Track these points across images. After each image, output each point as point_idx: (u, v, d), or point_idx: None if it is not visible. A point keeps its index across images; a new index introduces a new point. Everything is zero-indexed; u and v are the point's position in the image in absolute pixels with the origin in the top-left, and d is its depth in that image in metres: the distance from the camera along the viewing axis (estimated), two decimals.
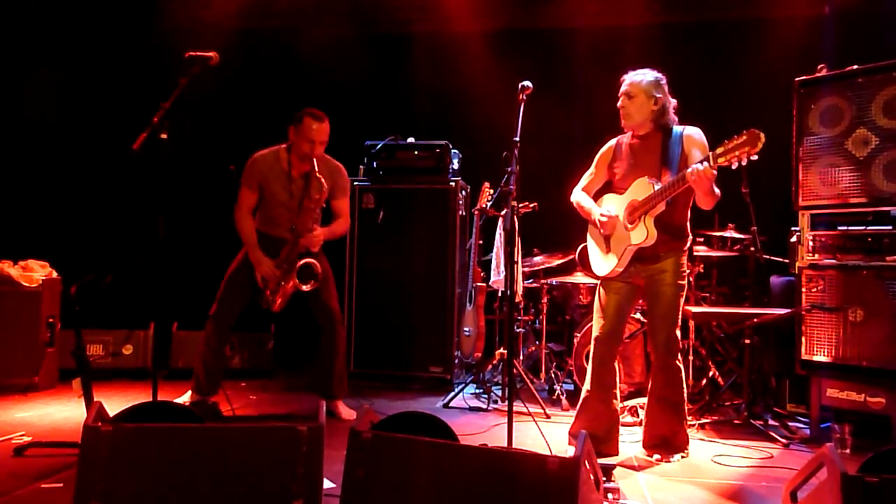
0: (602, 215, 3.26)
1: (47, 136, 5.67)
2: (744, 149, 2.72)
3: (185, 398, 3.89)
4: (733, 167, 2.78)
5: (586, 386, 3.33)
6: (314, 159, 3.71)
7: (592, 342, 3.32)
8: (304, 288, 3.74)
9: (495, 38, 5.81)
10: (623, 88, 3.27)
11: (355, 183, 5.05)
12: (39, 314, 4.55)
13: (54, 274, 4.73)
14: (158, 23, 5.78)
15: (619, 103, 3.28)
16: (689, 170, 2.88)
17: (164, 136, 2.89)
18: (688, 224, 3.26)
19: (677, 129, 3.19)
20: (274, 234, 3.84)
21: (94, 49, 5.88)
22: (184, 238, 3.80)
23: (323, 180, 3.73)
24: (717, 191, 3.01)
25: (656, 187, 3.05)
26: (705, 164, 2.84)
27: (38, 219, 5.52)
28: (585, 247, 3.50)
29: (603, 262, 3.31)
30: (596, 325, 3.32)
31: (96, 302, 3.69)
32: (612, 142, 3.42)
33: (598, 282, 3.39)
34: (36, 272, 4.61)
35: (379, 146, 5.05)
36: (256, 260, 3.77)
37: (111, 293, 3.90)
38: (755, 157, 2.71)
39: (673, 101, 3.24)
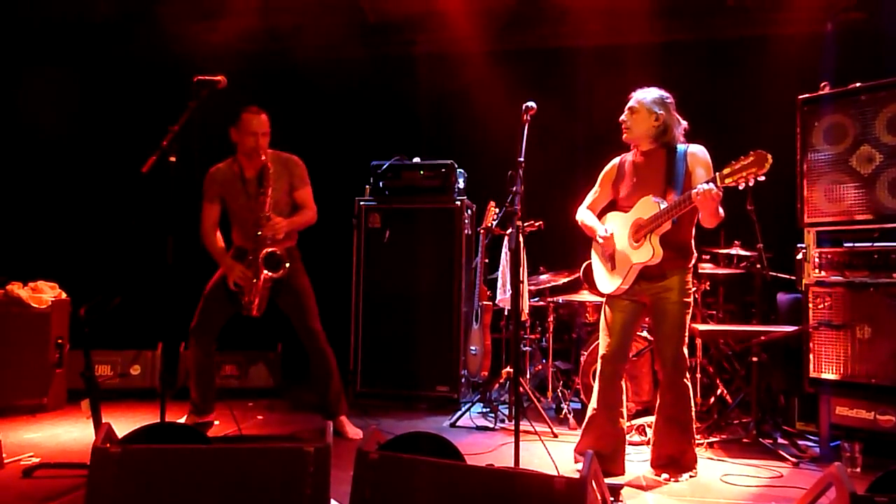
0: (601, 235, 3.27)
1: (57, 159, 5.74)
2: (751, 170, 2.72)
3: (182, 422, 3.89)
4: (740, 188, 2.78)
5: (592, 404, 3.32)
6: (262, 154, 3.75)
7: (599, 360, 3.32)
8: (274, 275, 3.72)
9: (500, 58, 5.86)
10: (628, 104, 3.30)
11: (361, 202, 5.09)
12: (48, 335, 4.57)
13: (63, 295, 4.76)
14: (169, 47, 5.86)
15: (621, 117, 3.31)
16: (695, 190, 2.89)
17: (173, 158, 2.93)
18: (692, 242, 3.27)
19: (681, 146, 3.21)
20: (246, 246, 3.85)
21: (104, 71, 5.97)
22: (192, 259, 3.82)
23: (272, 169, 3.76)
24: (721, 211, 3.02)
25: (662, 206, 3.06)
26: (710, 184, 2.85)
27: (48, 240, 5.57)
28: (590, 264, 3.50)
29: (608, 281, 3.31)
30: (602, 343, 3.32)
31: (104, 322, 3.71)
32: (616, 160, 3.44)
33: (604, 300, 3.39)
34: (45, 293, 4.64)
35: (385, 166, 5.09)
36: (227, 267, 3.79)
37: (119, 313, 3.92)
38: (762, 179, 2.71)
39: (683, 123, 3.26)
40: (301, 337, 3.93)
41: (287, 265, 3.75)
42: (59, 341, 4.63)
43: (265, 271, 3.72)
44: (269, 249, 3.73)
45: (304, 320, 3.89)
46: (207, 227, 3.88)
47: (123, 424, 3.72)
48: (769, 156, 2.69)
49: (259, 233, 3.72)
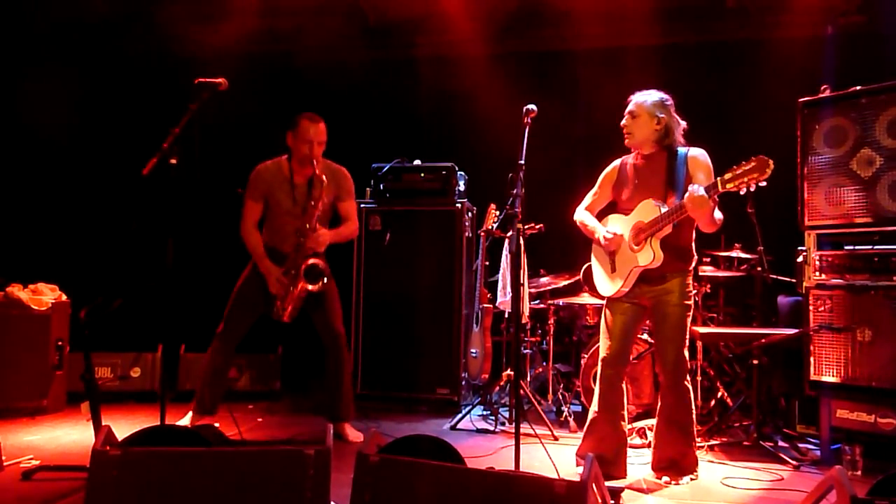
0: (606, 234, 3.27)
1: (57, 161, 5.74)
2: (752, 175, 2.73)
3: (186, 420, 3.89)
4: (741, 193, 2.79)
5: (593, 407, 3.32)
6: (315, 161, 3.75)
7: (599, 363, 3.31)
8: (312, 288, 3.72)
9: (500, 60, 5.86)
10: (628, 108, 3.30)
11: (362, 205, 5.08)
12: (48, 337, 4.57)
13: (64, 297, 4.75)
14: (170, 48, 5.87)
15: (622, 122, 3.30)
16: (686, 197, 2.89)
17: (174, 160, 2.93)
18: (693, 244, 3.27)
19: (682, 150, 3.21)
20: (281, 248, 3.85)
21: (104, 72, 5.98)
22: (192, 261, 3.83)
23: (325, 178, 3.75)
24: (718, 216, 3.02)
25: (662, 210, 3.06)
26: (699, 189, 2.85)
27: (48, 242, 5.56)
28: (590, 267, 3.50)
29: (608, 283, 3.31)
30: (602, 346, 3.32)
31: (105, 325, 3.71)
32: (617, 162, 3.43)
33: (604, 303, 3.39)
34: (45, 295, 4.64)
35: (385, 168, 5.09)
36: (266, 270, 3.78)
37: (120, 316, 3.91)
38: (763, 184, 2.72)
39: (682, 124, 3.26)
40: (323, 337, 3.92)
41: (325, 280, 3.74)
42: (60, 343, 4.63)
43: (304, 282, 3.72)
44: (312, 262, 3.73)
45: (329, 321, 3.89)
46: (249, 225, 3.86)
47: (123, 427, 3.69)
48: (770, 162, 2.69)
49: (303, 241, 3.72)
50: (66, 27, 5.64)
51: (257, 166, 3.90)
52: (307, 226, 3.74)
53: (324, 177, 3.75)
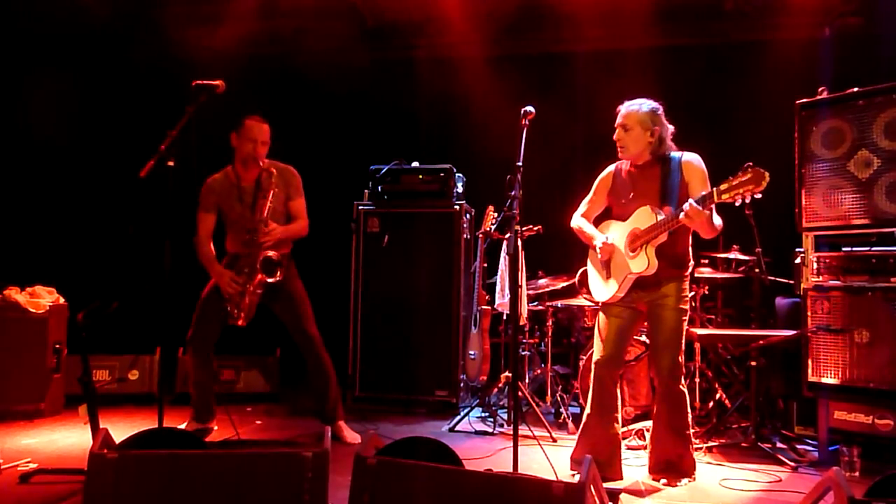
0: (600, 243, 3.26)
1: (55, 163, 5.74)
2: (748, 187, 2.72)
3: (183, 427, 3.88)
4: (736, 204, 2.78)
5: (587, 410, 3.32)
6: (260, 163, 3.76)
7: (592, 366, 3.31)
8: (270, 280, 3.72)
9: (499, 62, 5.87)
10: (619, 120, 3.25)
11: (360, 207, 5.09)
12: (46, 340, 4.56)
13: (61, 300, 4.75)
14: (169, 51, 5.87)
15: (615, 135, 3.26)
16: (682, 213, 2.90)
17: (171, 163, 2.94)
18: (689, 251, 3.26)
19: (675, 155, 3.19)
20: (241, 251, 3.84)
21: (103, 75, 5.97)
22: (190, 264, 3.83)
23: (275, 172, 3.77)
24: (718, 222, 3.02)
25: (659, 217, 3.05)
26: (694, 204, 2.86)
27: (46, 245, 5.56)
28: (586, 271, 3.50)
29: (603, 288, 3.31)
30: (596, 349, 3.32)
31: (102, 327, 3.71)
32: (612, 167, 3.42)
33: (599, 306, 3.39)
34: (43, 298, 4.63)
35: (384, 170, 5.09)
36: (217, 274, 3.79)
37: (117, 318, 3.91)
38: (759, 196, 2.71)
39: (671, 128, 3.24)
40: (297, 342, 3.93)
41: (282, 270, 3.75)
42: (57, 346, 4.62)
43: (261, 275, 3.71)
44: (266, 254, 3.73)
45: (300, 325, 3.89)
46: (202, 235, 3.87)
47: (121, 430, 3.71)
48: (766, 174, 2.68)
49: (256, 238, 3.72)
50: (63, 28, 5.63)
51: (207, 180, 3.92)
52: (258, 220, 3.74)
53: (273, 170, 3.77)
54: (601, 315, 3.33)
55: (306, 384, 4.09)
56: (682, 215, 2.90)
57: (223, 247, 3.96)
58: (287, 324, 3.91)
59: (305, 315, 3.92)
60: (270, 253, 3.74)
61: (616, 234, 3.27)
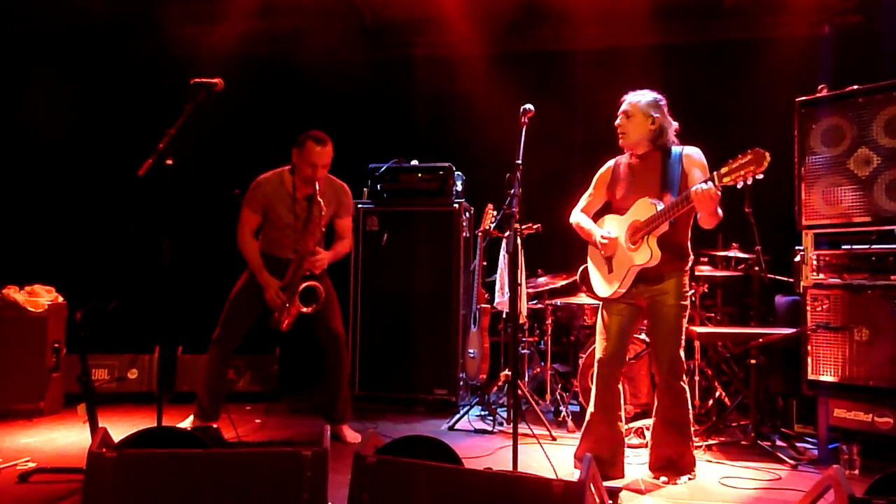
0: (603, 237, 3.26)
1: (54, 162, 5.73)
2: (749, 168, 2.72)
3: (187, 423, 3.88)
4: (738, 187, 2.78)
5: (590, 408, 3.32)
6: (316, 181, 3.74)
7: (595, 364, 3.31)
8: (306, 310, 3.76)
9: (498, 60, 5.86)
10: (622, 108, 3.29)
11: (359, 205, 5.08)
12: (45, 339, 4.55)
13: (60, 299, 4.74)
14: (168, 49, 5.86)
15: (616, 122, 3.30)
16: (694, 189, 2.88)
17: (169, 161, 2.93)
18: (689, 243, 3.26)
19: (676, 148, 3.20)
20: (279, 255, 3.86)
21: (102, 74, 5.96)
22: (189, 262, 3.83)
23: (323, 204, 3.76)
24: (720, 211, 3.02)
25: (658, 207, 3.05)
26: (709, 184, 2.84)
27: (44, 244, 5.56)
28: (586, 268, 3.50)
29: (605, 284, 3.31)
30: (598, 346, 3.32)
31: (101, 326, 3.70)
32: (611, 162, 3.43)
33: (601, 303, 3.39)
34: (42, 297, 4.62)
35: (383, 169, 5.08)
36: (265, 282, 3.78)
37: (116, 317, 3.91)
38: (760, 177, 2.71)
39: (674, 124, 3.25)
40: (322, 338, 3.92)
41: (318, 304, 3.76)
42: (56, 345, 4.62)
43: (299, 303, 3.75)
44: (310, 284, 3.76)
45: (328, 322, 3.89)
46: (247, 234, 3.86)
47: (120, 428, 3.71)
48: (767, 154, 2.68)
49: (302, 263, 3.75)
50: (62, 27, 5.62)
51: (258, 177, 3.89)
52: (308, 247, 3.76)
53: (322, 202, 3.75)
54: (603, 312, 3.33)
55: (306, 383, 4.08)
56: (694, 189, 2.85)
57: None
58: (315, 320, 3.88)
59: (333, 312, 3.93)
60: (314, 284, 3.76)
61: (615, 227, 3.27)
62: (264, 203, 3.84)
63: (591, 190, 3.48)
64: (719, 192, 2.85)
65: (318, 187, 3.74)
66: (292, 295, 3.76)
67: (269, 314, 3.81)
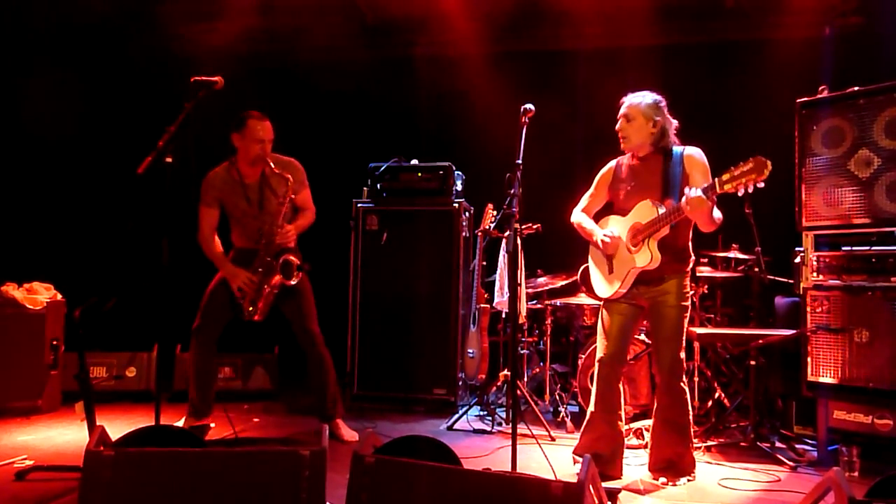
0: (605, 236, 3.26)
1: (53, 159, 5.72)
2: (750, 176, 2.72)
3: (179, 424, 3.87)
4: (739, 194, 2.78)
5: (591, 407, 3.31)
6: (266, 157, 3.75)
7: (596, 364, 3.31)
8: (289, 282, 3.77)
9: (499, 60, 5.86)
10: (622, 111, 3.28)
11: (359, 205, 5.07)
12: (43, 337, 4.55)
13: (59, 296, 4.74)
14: (168, 48, 5.85)
15: (617, 126, 3.29)
16: (683, 199, 2.89)
17: (169, 159, 2.92)
18: (690, 245, 3.26)
19: (677, 149, 3.20)
20: (248, 246, 3.86)
21: (101, 72, 5.95)
22: (188, 260, 3.82)
23: (285, 174, 3.75)
24: (718, 216, 3.01)
25: (660, 210, 3.05)
26: (697, 191, 2.85)
27: (43, 241, 5.55)
28: (587, 268, 3.49)
29: (606, 284, 3.30)
30: (600, 346, 3.31)
31: (100, 324, 3.69)
32: (612, 163, 3.43)
33: (602, 303, 3.38)
34: (40, 294, 4.62)
35: (382, 168, 5.07)
36: (230, 274, 3.78)
37: (115, 315, 3.90)
38: (761, 185, 2.71)
39: (674, 123, 3.25)
40: (299, 339, 3.92)
41: (299, 274, 3.79)
42: (54, 343, 4.61)
43: (280, 276, 3.75)
44: (286, 257, 3.77)
45: (304, 322, 3.88)
46: (206, 231, 3.86)
47: (118, 426, 3.70)
48: (768, 163, 2.68)
49: (274, 240, 3.75)
50: (62, 25, 5.61)
51: (208, 174, 3.90)
52: (276, 223, 3.76)
53: (288, 175, 3.75)
54: (604, 312, 3.33)
55: (305, 382, 4.08)
56: (683, 200, 2.88)
57: (227, 239, 3.95)
58: (291, 320, 3.90)
59: (309, 312, 3.93)
60: (291, 257, 3.76)
61: (616, 229, 3.27)
62: (217, 196, 3.85)
63: (592, 190, 3.48)
64: (710, 202, 2.86)
65: (269, 162, 3.74)
66: (268, 273, 3.75)
67: (239, 308, 3.78)
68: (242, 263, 3.82)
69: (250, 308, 3.76)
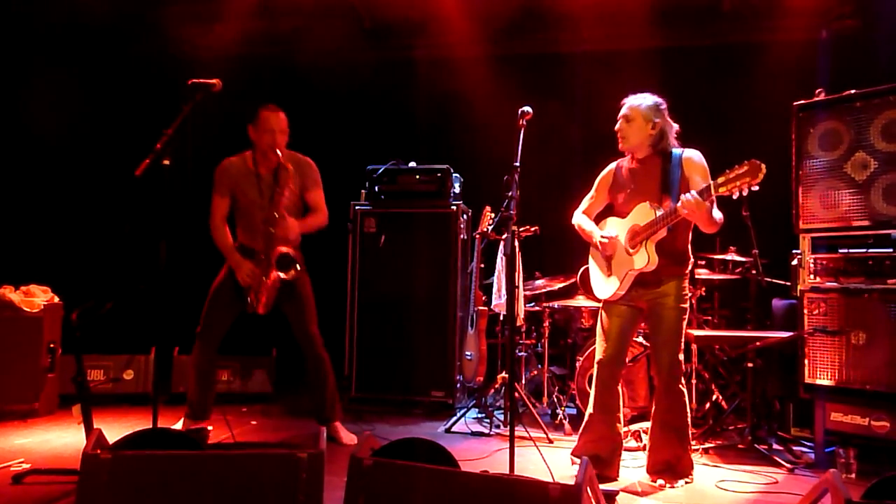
0: (603, 237, 3.27)
1: (51, 162, 5.72)
2: (745, 179, 2.73)
3: (178, 426, 3.86)
4: (734, 197, 2.79)
5: (589, 409, 3.32)
6: (279, 152, 3.75)
7: (595, 365, 3.31)
8: (284, 276, 3.74)
9: (497, 62, 5.86)
10: (622, 112, 3.30)
11: (357, 207, 5.08)
12: (40, 339, 4.54)
13: (56, 299, 4.73)
14: (167, 50, 5.85)
15: (616, 126, 3.30)
16: (680, 202, 2.90)
17: (166, 161, 2.92)
18: (689, 248, 3.27)
19: (676, 151, 3.21)
20: (252, 245, 3.83)
21: (100, 74, 5.95)
22: (185, 263, 3.82)
23: (291, 168, 3.76)
24: (718, 216, 3.02)
25: (658, 213, 3.06)
26: (693, 194, 2.86)
27: (41, 244, 5.54)
28: (587, 269, 3.50)
29: (604, 285, 3.31)
30: (598, 348, 3.31)
31: (97, 327, 3.69)
32: (612, 165, 3.44)
33: (601, 305, 3.39)
34: (37, 297, 4.61)
35: (380, 170, 5.08)
36: (236, 263, 3.77)
37: (112, 318, 3.90)
38: (756, 188, 2.72)
39: (675, 126, 3.26)
40: (299, 341, 3.91)
41: (298, 267, 3.76)
42: (51, 346, 4.60)
43: (276, 272, 3.72)
44: (283, 250, 3.74)
45: (304, 325, 3.88)
46: (217, 220, 3.85)
47: (115, 430, 3.69)
48: (763, 166, 2.70)
49: (272, 230, 3.72)
50: (61, 27, 5.61)
51: (222, 162, 3.89)
52: (275, 214, 3.74)
53: (290, 165, 3.76)
54: (603, 314, 3.33)
55: (303, 385, 4.08)
56: (679, 204, 2.90)
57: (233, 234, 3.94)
58: (291, 321, 3.89)
59: (309, 315, 3.92)
60: (285, 249, 3.75)
61: (615, 230, 3.28)
62: (230, 185, 3.84)
63: (592, 192, 3.49)
64: (707, 204, 2.87)
65: (280, 153, 3.74)
66: (267, 265, 3.73)
67: (245, 302, 3.77)
68: (246, 257, 3.80)
69: (254, 299, 3.74)
